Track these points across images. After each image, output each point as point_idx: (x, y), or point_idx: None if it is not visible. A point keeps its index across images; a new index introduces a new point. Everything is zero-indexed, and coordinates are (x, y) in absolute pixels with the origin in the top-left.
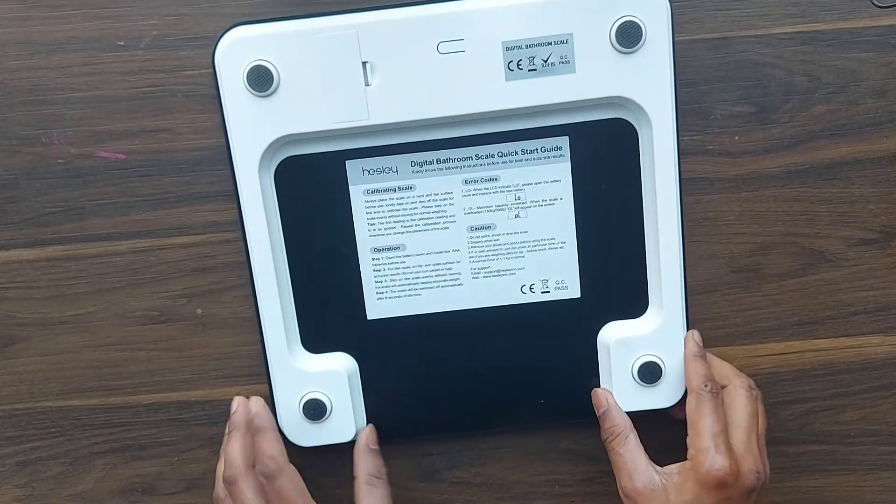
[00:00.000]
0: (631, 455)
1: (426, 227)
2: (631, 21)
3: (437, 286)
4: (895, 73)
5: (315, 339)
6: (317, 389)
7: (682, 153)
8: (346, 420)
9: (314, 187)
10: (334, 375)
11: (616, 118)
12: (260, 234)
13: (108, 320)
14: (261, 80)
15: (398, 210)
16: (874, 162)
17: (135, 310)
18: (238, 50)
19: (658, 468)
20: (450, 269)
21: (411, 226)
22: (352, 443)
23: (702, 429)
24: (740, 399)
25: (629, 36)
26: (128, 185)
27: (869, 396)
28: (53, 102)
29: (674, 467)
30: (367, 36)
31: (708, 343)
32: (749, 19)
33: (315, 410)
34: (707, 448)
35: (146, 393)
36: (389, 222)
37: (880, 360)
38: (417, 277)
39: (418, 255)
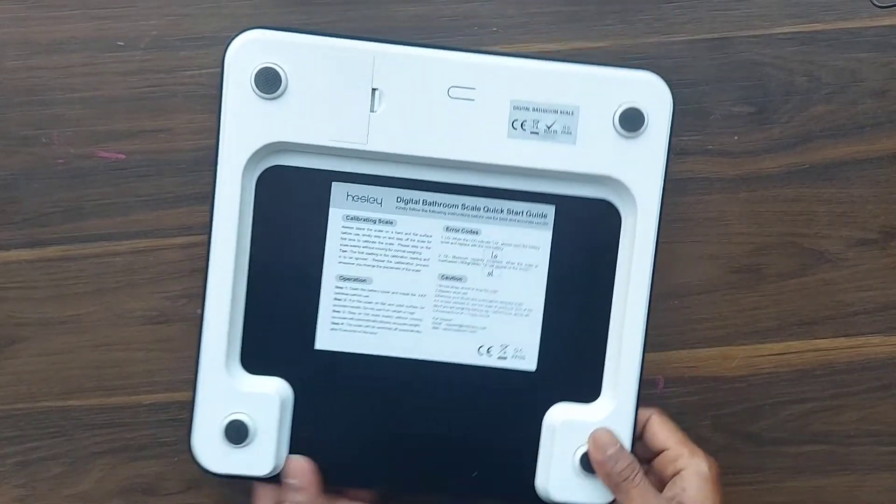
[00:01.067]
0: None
1: (397, 266)
2: (635, 108)
3: (395, 328)
4: (895, 74)
5: (256, 358)
6: (243, 411)
7: (682, 153)
8: (267, 451)
9: (294, 201)
10: (265, 399)
11: (603, 199)
12: (227, 235)
13: (108, 320)
14: (269, 82)
15: (373, 242)
16: (874, 162)
17: (134, 310)
18: (252, 50)
19: (668, 494)
20: (412, 313)
21: (383, 261)
22: (268, 480)
23: (672, 441)
24: (692, 488)
25: (631, 121)
26: (127, 186)
27: (869, 397)
28: (53, 103)
29: (678, 483)
30: (382, 63)
31: (708, 343)
32: (749, 19)
33: (237, 433)
34: (691, 451)
35: (146, 393)
36: (362, 253)
37: (880, 361)
38: (377, 315)
39: (383, 292)
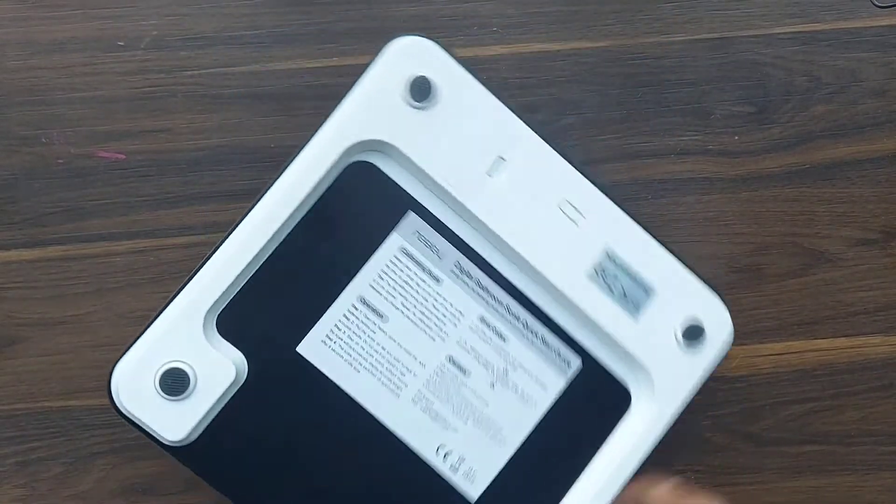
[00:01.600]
0: None
1: (418, 323)
2: (697, 326)
3: (380, 379)
4: (895, 74)
5: (234, 323)
6: (192, 364)
7: (682, 153)
8: (189, 418)
9: (364, 205)
10: (221, 365)
11: (624, 385)
12: (286, 198)
13: (109, 320)
14: (422, 91)
15: (411, 287)
16: (874, 162)
17: (135, 310)
18: (422, 56)
19: None
20: (403, 375)
21: (409, 309)
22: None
23: None
24: None
25: (692, 334)
26: (128, 186)
27: (869, 397)
28: (53, 102)
29: None
30: (523, 143)
31: None
32: (749, 19)
33: (175, 382)
34: None
35: None
36: (395, 290)
37: (881, 361)
38: (372, 355)
39: (391, 337)
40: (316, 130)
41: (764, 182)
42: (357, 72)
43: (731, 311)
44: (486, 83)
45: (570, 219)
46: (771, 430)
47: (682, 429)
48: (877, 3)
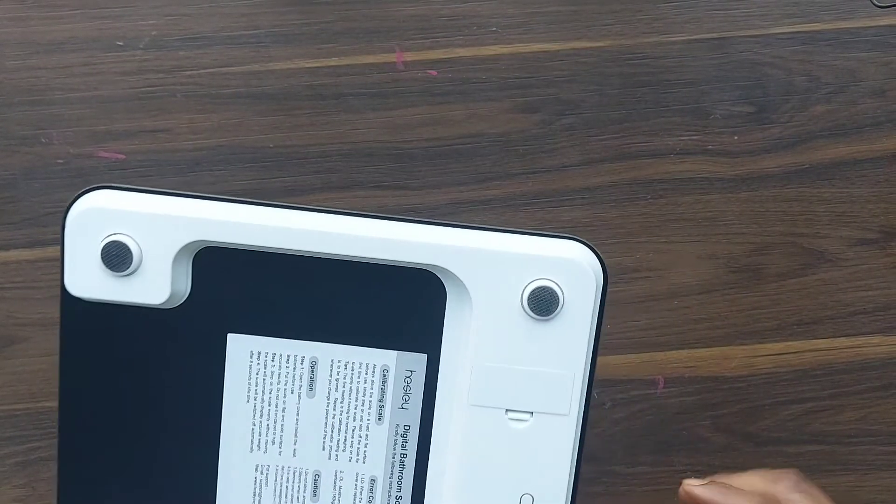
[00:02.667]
0: None
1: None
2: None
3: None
4: (894, 73)
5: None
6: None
7: (682, 153)
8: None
9: None
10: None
11: None
12: None
13: None
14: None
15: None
16: (873, 162)
17: None
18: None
19: None
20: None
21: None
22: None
23: None
24: None
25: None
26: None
27: (868, 396)
28: (53, 102)
29: None
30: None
31: (708, 343)
32: (748, 19)
33: (118, 255)
34: None
35: None
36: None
37: (879, 360)
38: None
39: (300, 410)
40: None
41: (763, 182)
42: (357, 71)
43: (730, 311)
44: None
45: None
46: (770, 430)
47: (682, 428)
48: (876, 3)
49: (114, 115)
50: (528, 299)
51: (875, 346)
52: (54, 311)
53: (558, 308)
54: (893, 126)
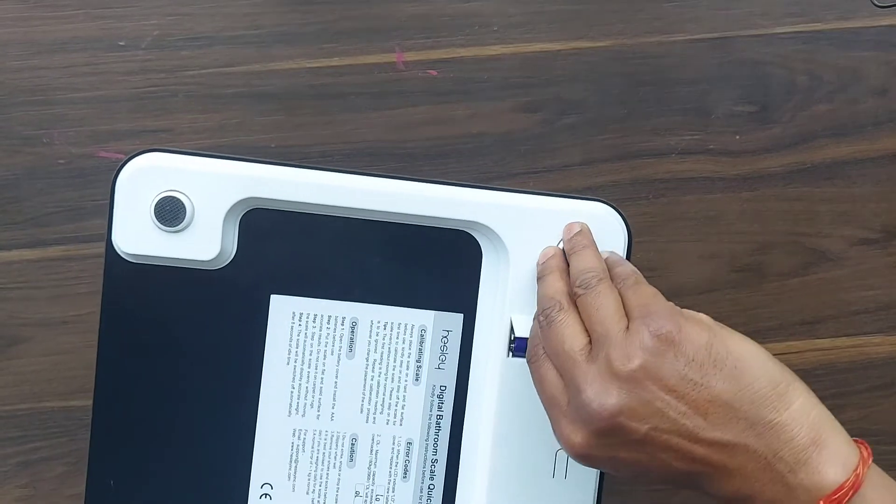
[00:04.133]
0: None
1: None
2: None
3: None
4: None
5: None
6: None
7: (684, 152)
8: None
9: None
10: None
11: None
12: None
13: None
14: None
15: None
16: (875, 161)
17: None
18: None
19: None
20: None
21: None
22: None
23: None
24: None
25: None
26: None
27: (870, 396)
28: (55, 102)
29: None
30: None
31: None
32: (750, 18)
33: (171, 210)
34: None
35: None
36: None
37: (881, 360)
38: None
39: (340, 372)
40: None
41: (765, 181)
42: (358, 71)
43: (732, 310)
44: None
45: None
46: None
47: None
48: (877, 2)
49: (116, 115)
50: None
51: (877, 345)
52: (57, 312)
53: None
54: (895, 125)
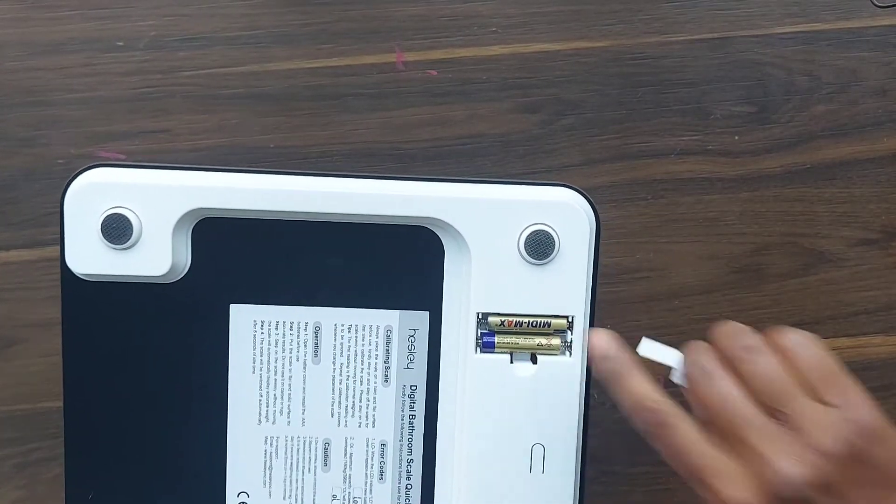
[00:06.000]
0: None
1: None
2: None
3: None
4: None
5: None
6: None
7: (683, 153)
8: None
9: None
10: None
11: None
12: None
13: None
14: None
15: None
16: (875, 162)
17: None
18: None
19: None
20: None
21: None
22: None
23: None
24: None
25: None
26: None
27: (870, 396)
28: (52, 103)
29: None
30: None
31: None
32: (749, 19)
33: (117, 228)
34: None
35: None
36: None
37: (881, 361)
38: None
39: (307, 378)
40: None
41: (764, 182)
42: (357, 71)
43: (731, 311)
44: None
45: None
46: None
47: None
48: (877, 2)
49: (113, 116)
50: (525, 244)
51: (877, 346)
52: (54, 312)
53: (554, 251)
54: (895, 126)
